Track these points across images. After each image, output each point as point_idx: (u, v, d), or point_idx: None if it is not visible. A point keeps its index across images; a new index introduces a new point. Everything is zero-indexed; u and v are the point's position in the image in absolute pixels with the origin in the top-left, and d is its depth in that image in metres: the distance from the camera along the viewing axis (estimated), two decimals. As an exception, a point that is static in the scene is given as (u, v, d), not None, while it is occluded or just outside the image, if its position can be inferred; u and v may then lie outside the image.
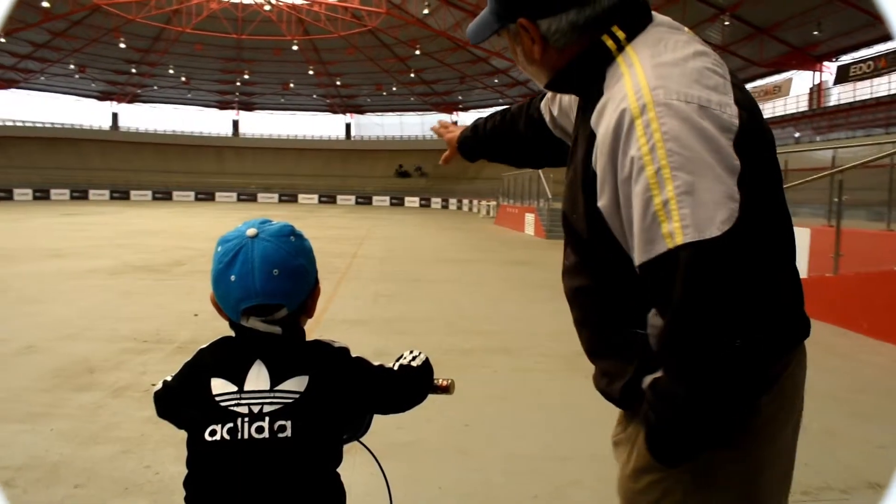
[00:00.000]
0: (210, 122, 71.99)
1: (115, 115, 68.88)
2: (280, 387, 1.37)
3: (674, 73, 1.25)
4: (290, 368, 1.39)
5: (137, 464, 3.75)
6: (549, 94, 1.86)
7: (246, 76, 64.13)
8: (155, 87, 67.66)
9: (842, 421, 4.77)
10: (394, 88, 66.30)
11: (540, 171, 25.85)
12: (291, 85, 66.94)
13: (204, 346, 1.48)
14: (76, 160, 60.01)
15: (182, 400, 1.43)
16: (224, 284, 1.41)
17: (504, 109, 2.08)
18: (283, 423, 1.35)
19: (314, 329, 7.49)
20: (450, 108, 67.52)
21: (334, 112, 74.04)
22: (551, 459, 4.02)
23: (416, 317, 8.44)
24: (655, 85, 1.22)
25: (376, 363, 1.56)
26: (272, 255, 1.41)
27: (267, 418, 1.35)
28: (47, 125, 63.49)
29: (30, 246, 16.70)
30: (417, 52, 52.77)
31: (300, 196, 60.17)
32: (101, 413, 4.57)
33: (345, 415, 1.46)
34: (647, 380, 1.33)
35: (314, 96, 71.07)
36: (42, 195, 53.70)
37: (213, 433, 1.35)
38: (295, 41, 53.67)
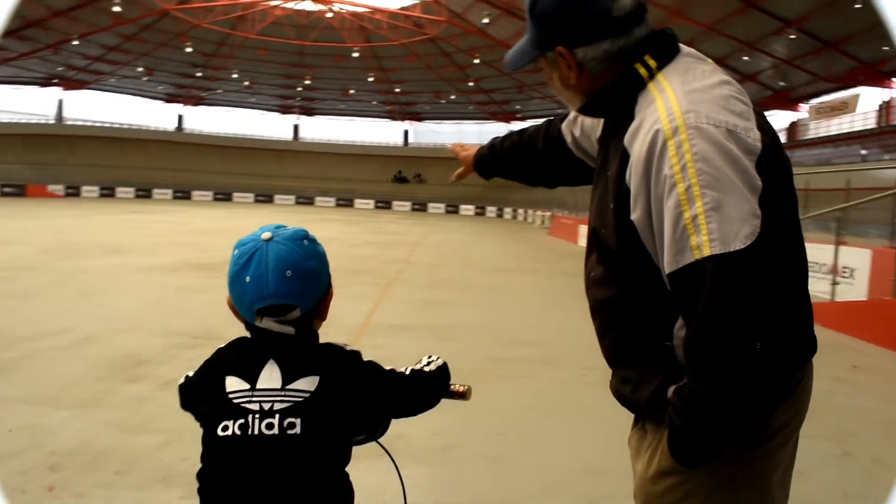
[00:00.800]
0: (271, 125, 73.39)
1: (180, 117, 70.67)
2: (291, 386, 1.41)
3: (703, 99, 1.36)
4: (301, 368, 1.43)
5: (177, 455, 3.85)
6: (571, 117, 1.95)
7: (307, 82, 65.12)
8: (219, 91, 69.16)
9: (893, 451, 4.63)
10: (452, 97, 66.54)
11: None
12: (352, 91, 67.73)
13: (222, 345, 1.53)
14: (142, 160, 61.71)
15: (199, 396, 1.48)
16: (239, 285, 1.46)
17: (521, 130, 2.17)
18: (292, 420, 1.38)
19: (361, 332, 7.59)
20: (508, 117, 67.47)
21: (393, 119, 74.66)
22: (586, 473, 3.99)
23: (463, 324, 8.46)
24: (687, 109, 1.33)
25: (388, 368, 1.59)
26: (286, 258, 1.45)
27: (277, 415, 1.39)
28: (115, 125, 65.46)
29: (93, 241, 17.26)
30: (477, 61, 52.92)
31: (357, 201, 60.88)
32: (148, 405, 4.70)
33: (354, 415, 1.48)
34: (672, 389, 1.41)
35: (374, 103, 71.78)
36: (108, 193, 55.41)
37: (225, 428, 1.39)
38: (356, 48, 54.36)
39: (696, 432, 1.34)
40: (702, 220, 1.25)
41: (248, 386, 1.42)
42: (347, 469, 1.50)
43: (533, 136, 2.09)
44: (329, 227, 29.46)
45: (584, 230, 25.13)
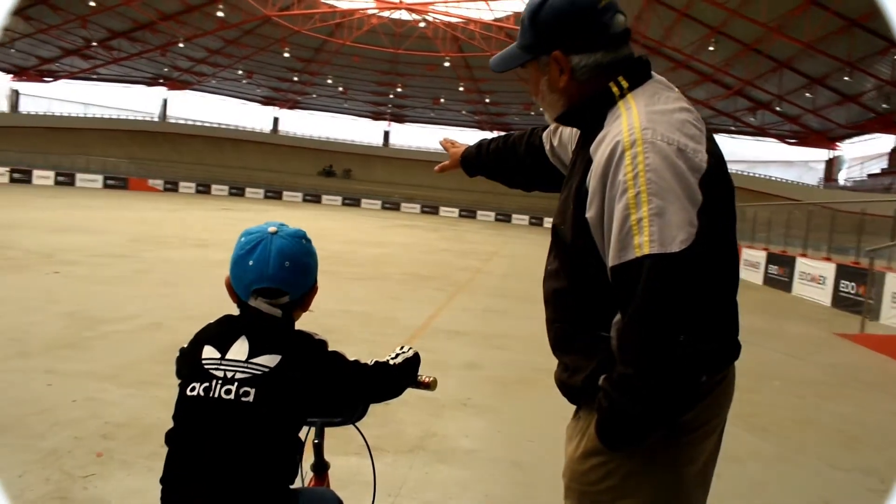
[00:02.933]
0: (361, 131, 74.78)
1: (275, 120, 72.92)
2: (254, 360, 1.62)
3: (662, 120, 1.53)
4: (267, 346, 1.64)
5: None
6: (552, 127, 2.11)
7: (399, 89, 66.16)
8: (314, 96, 71.01)
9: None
10: (542, 108, 66.31)
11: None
12: (442, 100, 68.43)
13: (212, 321, 1.74)
14: (237, 159, 63.91)
15: (184, 362, 1.70)
16: (241, 267, 1.70)
17: (507, 134, 2.34)
18: (247, 389, 1.59)
19: (417, 335, 7.79)
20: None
21: (482, 129, 74.92)
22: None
23: (518, 334, 8.55)
24: (646, 126, 1.50)
25: (352, 359, 1.79)
26: (286, 250, 1.71)
27: (236, 384, 1.60)
28: (214, 125, 68.16)
29: (181, 234, 18.10)
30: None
31: (441, 209, 61.32)
32: (200, 388, 5.01)
33: (308, 395, 1.66)
34: (603, 377, 1.55)
35: (463, 112, 72.30)
36: (204, 189, 57.60)
37: (192, 389, 1.62)
38: (448, 57, 54.93)
39: (620, 415, 1.48)
40: (645, 223, 1.40)
41: (219, 355, 1.64)
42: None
43: (516, 142, 2.26)
44: (410, 232, 29.91)
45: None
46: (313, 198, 60.79)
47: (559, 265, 1.71)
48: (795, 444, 5.26)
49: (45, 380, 4.95)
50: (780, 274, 18.98)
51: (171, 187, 55.53)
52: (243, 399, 1.58)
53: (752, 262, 21.17)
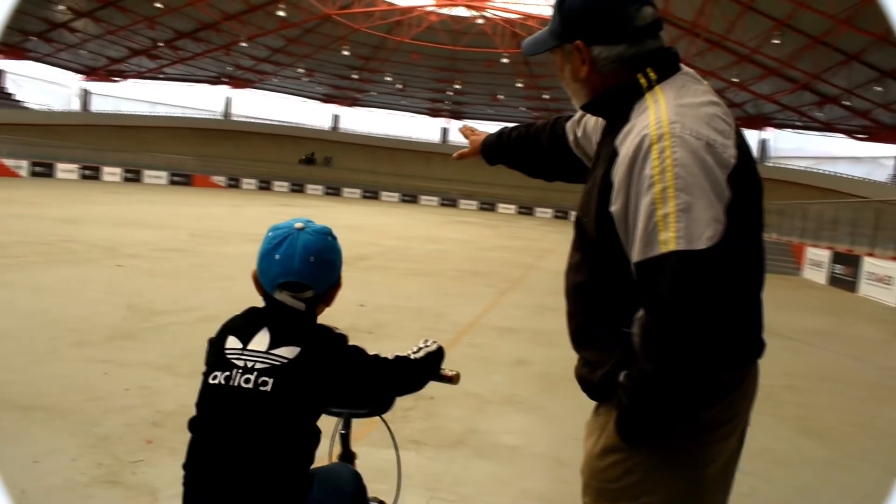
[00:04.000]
0: (420, 128, 75.04)
1: (335, 117, 73.76)
2: (274, 351, 1.66)
3: (690, 114, 1.49)
4: (288, 338, 1.68)
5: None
6: (577, 117, 2.08)
7: (457, 86, 66.17)
8: (373, 93, 71.52)
9: None
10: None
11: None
12: (500, 97, 68.21)
13: (238, 312, 1.78)
14: (297, 156, 64.88)
15: (211, 351, 1.74)
16: (268, 261, 1.74)
17: (529, 123, 2.30)
18: (265, 379, 1.63)
19: (466, 331, 7.81)
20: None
21: (540, 125, 74.57)
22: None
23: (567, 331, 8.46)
24: (674, 120, 1.47)
25: (372, 353, 1.81)
26: (312, 246, 1.74)
27: (255, 373, 1.64)
28: (274, 122, 69.31)
29: (239, 230, 18.48)
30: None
31: (499, 205, 61.16)
32: (249, 379, 5.13)
33: (326, 387, 1.70)
34: (623, 373, 1.53)
35: (521, 109, 71.91)
36: (265, 186, 58.69)
37: (214, 378, 1.67)
38: (506, 54, 54.72)
39: (640, 411, 1.48)
40: (672, 219, 1.38)
41: (241, 345, 1.68)
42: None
43: (539, 131, 2.22)
44: (466, 229, 29.94)
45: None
46: (371, 194, 61.35)
47: (581, 258, 1.69)
48: (850, 449, 5.11)
49: (103, 368, 5.12)
50: (846, 273, 18.42)
51: (234, 183, 56.73)
52: (261, 388, 1.61)
53: (815, 261, 20.62)
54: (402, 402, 4.82)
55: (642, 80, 1.58)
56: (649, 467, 1.55)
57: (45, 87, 58.73)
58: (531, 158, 2.28)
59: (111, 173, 47.30)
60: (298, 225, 1.77)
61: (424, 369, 1.91)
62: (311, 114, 73.46)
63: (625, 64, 1.60)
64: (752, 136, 58.51)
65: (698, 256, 1.36)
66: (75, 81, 60.91)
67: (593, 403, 1.71)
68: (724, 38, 38.71)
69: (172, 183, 51.09)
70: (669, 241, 1.38)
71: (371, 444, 4.12)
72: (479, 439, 4.45)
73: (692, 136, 1.44)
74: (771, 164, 54.70)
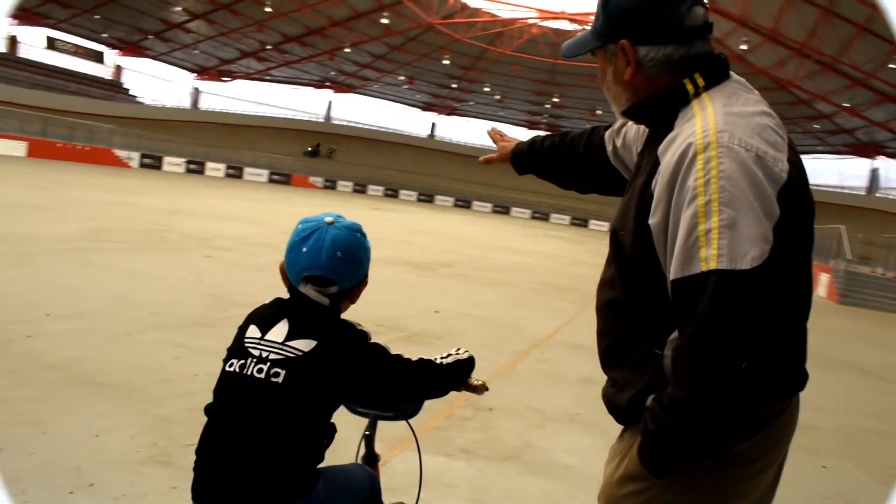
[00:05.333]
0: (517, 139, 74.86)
1: (433, 125, 74.59)
2: (290, 343, 1.65)
3: (740, 123, 1.39)
4: (306, 331, 1.67)
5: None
6: (616, 126, 2.00)
7: (555, 99, 65.83)
8: (471, 103, 71.98)
9: None
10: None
11: (842, 227, 23.61)
12: (598, 112, 67.40)
13: (266, 302, 1.79)
14: (394, 162, 65.80)
15: (235, 338, 1.75)
16: (296, 253, 1.74)
17: (563, 132, 2.19)
18: (278, 370, 1.62)
19: (537, 345, 7.71)
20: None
21: (638, 142, 73.35)
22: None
23: (644, 352, 8.24)
24: (722, 128, 1.37)
25: (394, 353, 1.78)
26: (340, 241, 1.74)
27: (268, 363, 1.63)
28: (373, 128, 70.58)
29: (329, 230, 18.81)
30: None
31: (591, 221, 60.45)
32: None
33: (339, 383, 1.68)
34: (651, 396, 1.44)
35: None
36: (360, 189, 59.79)
37: (230, 365, 1.68)
38: (608, 69, 54.03)
39: (666, 438, 1.37)
40: (714, 235, 1.28)
41: (259, 335, 1.69)
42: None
43: (575, 140, 2.13)
44: (553, 243, 29.68)
45: (823, 279, 23.36)
46: (463, 203, 61.61)
47: (615, 273, 1.59)
48: (935, 499, 4.76)
49: (175, 353, 5.29)
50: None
51: (330, 185, 58.02)
52: (272, 379, 1.61)
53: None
54: (459, 411, 4.87)
55: (689, 86, 1.49)
56: (670, 499, 1.45)
57: (160, 83, 61.67)
58: (565, 169, 2.19)
59: (214, 169, 49.16)
60: (329, 219, 1.77)
61: (448, 376, 1.88)
62: (410, 120, 74.52)
63: (672, 67, 1.51)
64: (862, 165, 55.91)
65: (741, 277, 1.26)
66: (187, 80, 63.93)
67: None
68: (836, 61, 37.12)
69: (271, 181, 52.68)
70: (710, 258, 1.28)
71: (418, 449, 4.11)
72: (533, 455, 4.36)
73: (741, 146, 1.34)
74: (881, 195, 52.08)
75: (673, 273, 1.35)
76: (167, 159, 45.58)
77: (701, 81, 1.49)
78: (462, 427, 4.62)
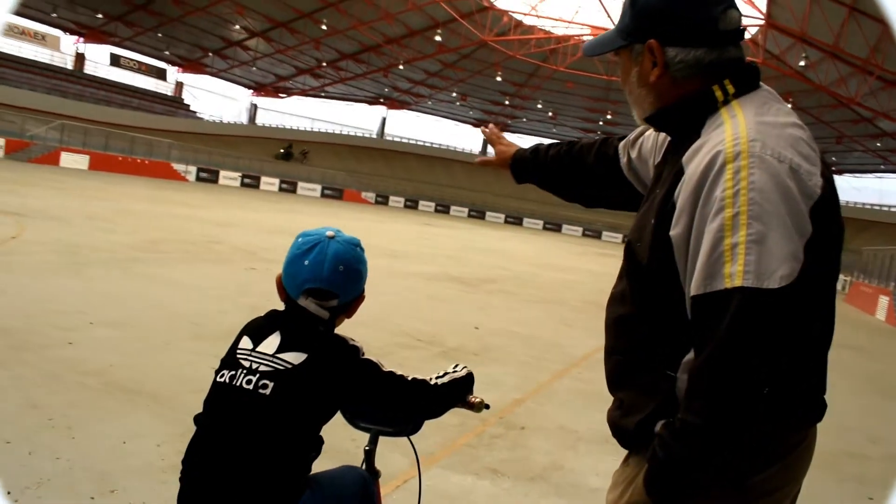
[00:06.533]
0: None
1: (485, 143, 74.64)
2: (280, 355, 1.64)
3: (773, 133, 1.31)
4: (297, 344, 1.66)
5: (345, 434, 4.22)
6: (631, 137, 1.90)
7: (609, 116, 65.42)
8: (524, 120, 72.06)
9: None
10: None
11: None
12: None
13: (261, 315, 1.78)
14: (446, 178, 66.18)
15: (229, 349, 1.74)
16: (296, 266, 1.73)
17: (571, 141, 2.08)
18: (266, 382, 1.61)
19: (577, 363, 7.59)
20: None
21: (693, 161, 72.36)
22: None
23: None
24: (754, 137, 1.29)
25: (388, 370, 1.76)
26: (342, 255, 1.73)
27: (257, 375, 1.62)
28: (426, 144, 71.04)
29: (378, 244, 18.94)
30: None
31: (644, 240, 59.70)
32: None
33: (327, 396, 1.66)
34: (661, 422, 1.35)
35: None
36: (411, 204, 60.23)
37: (221, 376, 1.67)
38: (662, 87, 53.50)
39: (676, 468, 1.28)
40: (741, 250, 1.20)
41: (251, 347, 1.68)
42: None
43: (584, 150, 2.01)
44: (604, 261, 29.35)
45: (883, 302, 22.56)
46: (515, 220, 61.52)
47: (627, 288, 1.50)
48: None
49: (211, 363, 5.28)
50: None
51: (382, 200, 58.52)
52: (261, 391, 1.60)
53: None
54: (489, 429, 4.80)
55: (718, 93, 1.41)
56: None
57: (219, 100, 63.22)
58: (572, 180, 2.06)
59: (269, 183, 50.03)
60: (329, 233, 1.76)
61: (443, 397, 1.84)
62: (462, 137, 74.85)
63: (701, 71, 1.42)
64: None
65: (767, 297, 1.18)
66: (245, 96, 65.26)
67: None
68: (900, 77, 36.11)
69: (324, 196, 53.37)
70: (736, 275, 1.20)
71: (447, 467, 4.07)
72: (561, 477, 4.27)
73: (774, 157, 1.26)
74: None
75: (694, 289, 1.26)
76: (223, 173, 46.58)
77: (731, 88, 1.41)
78: (492, 445, 4.56)
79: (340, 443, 3.49)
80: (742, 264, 1.19)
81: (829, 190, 1.30)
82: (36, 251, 9.29)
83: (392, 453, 3.55)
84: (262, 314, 1.79)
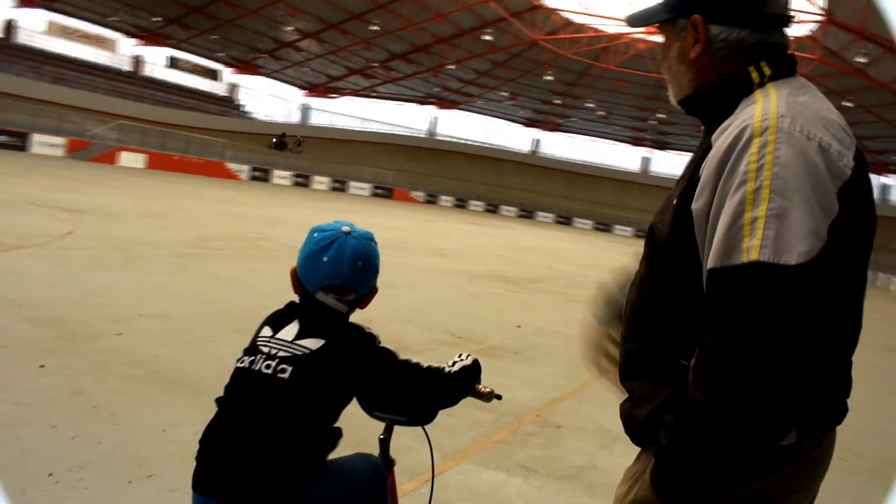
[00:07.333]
0: (619, 156, 73.95)
1: (535, 141, 74.39)
2: (298, 342, 1.69)
3: (805, 112, 1.28)
4: (315, 331, 1.71)
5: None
6: None
7: (661, 115, 64.42)
8: (574, 119, 71.35)
9: None
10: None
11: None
12: (703, 127, 65.66)
13: (281, 306, 1.83)
14: (495, 177, 65.92)
15: (251, 339, 1.79)
16: (315, 262, 1.78)
17: None
18: (284, 367, 1.67)
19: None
20: (880, 168, 60.31)
21: (748, 160, 70.81)
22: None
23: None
24: (784, 113, 1.26)
25: (402, 358, 1.80)
26: (360, 251, 1.79)
27: (276, 360, 1.68)
28: (476, 143, 70.97)
29: (425, 243, 19.06)
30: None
31: (695, 241, 58.75)
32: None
33: (343, 382, 1.71)
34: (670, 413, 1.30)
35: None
36: (461, 204, 60.22)
37: (241, 361, 1.72)
38: (716, 85, 52.54)
39: (680, 455, 1.23)
40: (760, 224, 1.17)
41: (271, 334, 1.73)
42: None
43: None
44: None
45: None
46: (564, 220, 61.04)
47: (646, 271, 1.47)
48: None
49: (252, 356, 5.44)
50: None
51: (432, 200, 58.65)
52: (279, 375, 1.65)
53: None
54: (524, 427, 4.79)
55: (754, 74, 1.38)
56: None
57: (271, 100, 64.18)
58: None
59: (320, 182, 50.56)
60: (345, 229, 1.80)
61: (456, 385, 1.86)
62: (514, 136, 74.74)
63: (743, 52, 1.39)
64: None
65: (783, 273, 1.14)
66: (297, 96, 66.14)
67: None
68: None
69: (374, 195, 53.74)
70: (752, 249, 1.16)
71: (478, 462, 4.08)
72: (595, 476, 4.24)
73: (803, 134, 1.23)
74: None
75: (711, 262, 1.23)
76: (276, 172, 47.21)
77: (767, 70, 1.38)
78: (526, 442, 4.55)
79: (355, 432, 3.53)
80: (760, 238, 1.16)
81: (861, 174, 1.27)
82: (90, 246, 9.59)
83: (423, 445, 3.58)
84: (281, 307, 1.84)
